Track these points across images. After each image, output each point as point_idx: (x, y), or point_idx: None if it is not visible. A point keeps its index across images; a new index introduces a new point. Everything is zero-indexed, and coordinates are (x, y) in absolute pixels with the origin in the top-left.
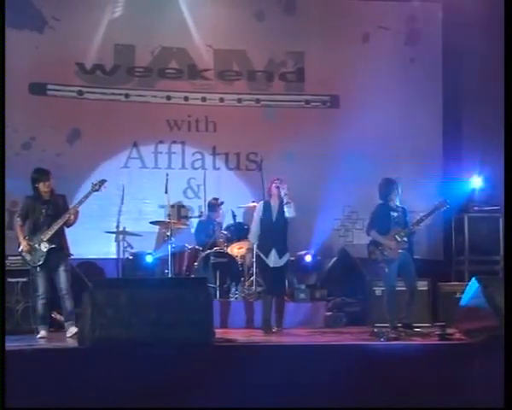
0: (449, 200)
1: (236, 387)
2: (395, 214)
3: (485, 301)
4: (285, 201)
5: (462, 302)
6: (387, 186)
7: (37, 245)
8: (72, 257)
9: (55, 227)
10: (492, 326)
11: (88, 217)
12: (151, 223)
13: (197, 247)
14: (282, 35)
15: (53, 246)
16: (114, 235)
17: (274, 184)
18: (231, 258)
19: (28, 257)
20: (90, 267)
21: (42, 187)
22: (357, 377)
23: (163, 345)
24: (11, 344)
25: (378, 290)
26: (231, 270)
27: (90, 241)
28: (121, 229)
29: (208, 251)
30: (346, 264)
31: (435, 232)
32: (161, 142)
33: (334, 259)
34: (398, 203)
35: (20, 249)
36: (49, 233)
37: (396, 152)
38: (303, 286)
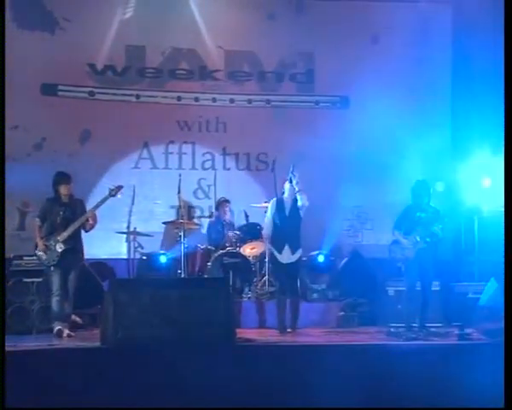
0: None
1: (257, 386)
2: (422, 215)
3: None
4: (297, 189)
5: (481, 302)
6: (416, 187)
7: (52, 246)
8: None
9: (71, 229)
10: None
11: (99, 217)
12: (164, 223)
13: (209, 247)
14: (293, 36)
15: (68, 247)
16: (125, 235)
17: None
18: (244, 258)
19: (43, 256)
20: (102, 268)
21: (62, 190)
22: (381, 377)
23: (185, 345)
24: (28, 344)
25: (391, 290)
26: (244, 270)
27: (101, 241)
28: (132, 229)
29: (221, 251)
30: (357, 264)
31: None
32: (172, 142)
33: (346, 259)
34: (431, 204)
35: (36, 249)
36: (65, 235)
37: (405, 153)
38: (316, 286)
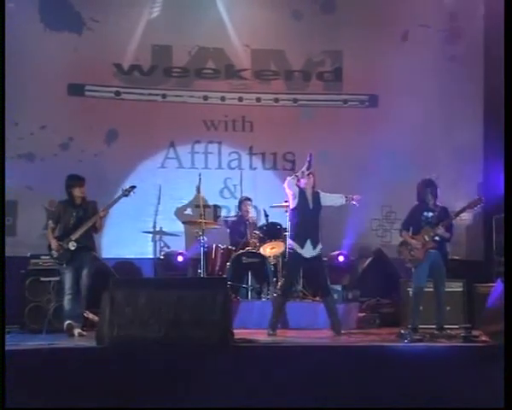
0: (488, 199)
1: (252, 387)
2: (430, 214)
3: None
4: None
5: (488, 304)
6: (422, 187)
7: (65, 244)
8: (108, 257)
9: (84, 228)
10: None
11: (125, 217)
12: (183, 223)
13: (230, 247)
14: (320, 34)
15: (80, 245)
16: (151, 235)
17: (304, 179)
18: (263, 258)
19: (56, 255)
20: (128, 267)
21: (76, 193)
22: (372, 378)
23: (180, 345)
24: (38, 343)
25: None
26: (263, 270)
27: (128, 241)
28: (158, 229)
29: (240, 251)
30: (381, 264)
31: (475, 233)
32: (198, 142)
33: (370, 259)
34: (437, 203)
35: (49, 248)
36: (78, 233)
37: (435, 152)
38: (335, 287)
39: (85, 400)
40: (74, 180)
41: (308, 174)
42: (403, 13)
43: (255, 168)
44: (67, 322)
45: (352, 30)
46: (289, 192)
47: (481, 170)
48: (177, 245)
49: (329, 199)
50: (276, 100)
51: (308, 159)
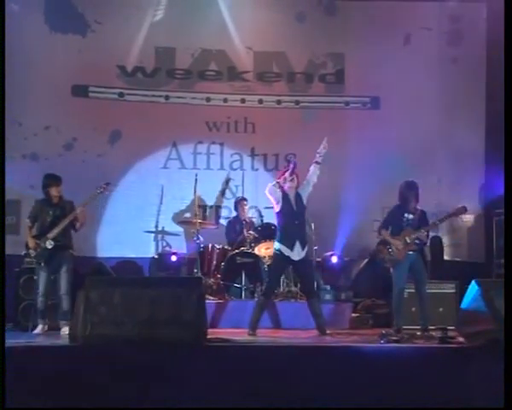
0: (489, 200)
1: (225, 387)
2: (410, 217)
3: (484, 304)
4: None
5: (463, 305)
6: (405, 189)
7: (42, 243)
8: (110, 256)
9: (61, 226)
10: (491, 330)
11: (127, 217)
12: (178, 223)
13: (226, 247)
14: (323, 36)
15: (58, 244)
16: (153, 234)
17: (287, 183)
18: (258, 258)
19: (33, 253)
20: (129, 266)
21: (53, 192)
22: (343, 378)
23: (154, 344)
24: (17, 341)
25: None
26: (258, 270)
27: (130, 240)
28: (160, 228)
29: (235, 251)
30: (377, 265)
31: (476, 234)
32: (200, 143)
33: (366, 260)
34: (417, 207)
35: (27, 247)
36: (55, 232)
37: (437, 153)
38: (328, 287)
39: (58, 399)
40: (51, 179)
41: (291, 179)
42: (405, 15)
43: (257, 169)
44: (39, 327)
45: (355, 32)
46: (271, 198)
47: (483, 172)
48: (179, 245)
49: (307, 184)
50: (279, 102)
51: (292, 166)
